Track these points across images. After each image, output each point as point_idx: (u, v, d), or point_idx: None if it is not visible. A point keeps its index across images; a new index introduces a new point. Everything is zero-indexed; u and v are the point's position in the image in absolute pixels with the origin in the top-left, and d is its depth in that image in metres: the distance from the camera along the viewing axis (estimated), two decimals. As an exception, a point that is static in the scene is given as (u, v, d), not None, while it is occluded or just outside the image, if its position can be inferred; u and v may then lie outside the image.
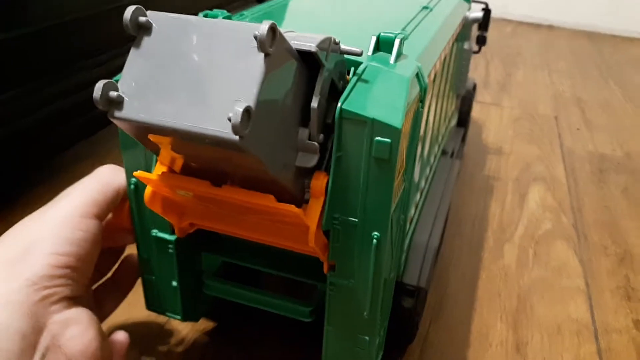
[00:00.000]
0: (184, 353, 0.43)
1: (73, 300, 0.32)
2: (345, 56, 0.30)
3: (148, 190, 0.31)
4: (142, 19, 0.25)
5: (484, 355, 0.46)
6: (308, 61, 0.27)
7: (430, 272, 0.41)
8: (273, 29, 0.23)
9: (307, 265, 0.36)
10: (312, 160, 0.29)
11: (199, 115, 0.24)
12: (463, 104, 0.73)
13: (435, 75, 0.41)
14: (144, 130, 0.26)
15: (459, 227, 0.62)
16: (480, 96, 1.03)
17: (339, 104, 0.28)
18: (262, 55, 0.23)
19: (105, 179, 0.35)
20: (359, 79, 0.30)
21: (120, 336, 0.36)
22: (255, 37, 0.23)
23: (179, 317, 0.40)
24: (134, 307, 0.42)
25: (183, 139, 0.25)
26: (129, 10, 0.25)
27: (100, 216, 0.34)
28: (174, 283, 0.38)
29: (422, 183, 0.45)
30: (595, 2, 1.65)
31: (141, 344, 0.43)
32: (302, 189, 0.30)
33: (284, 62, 0.25)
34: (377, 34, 0.33)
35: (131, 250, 0.40)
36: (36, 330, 0.29)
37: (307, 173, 0.30)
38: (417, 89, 0.32)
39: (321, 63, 0.27)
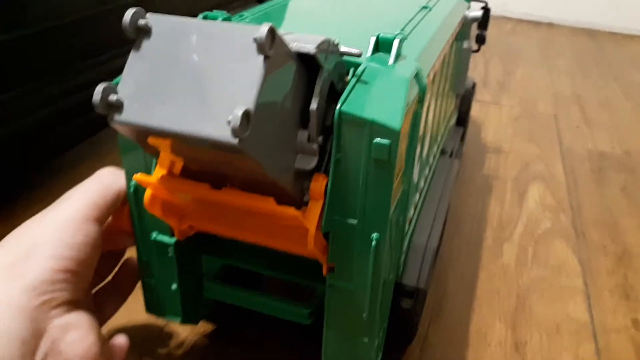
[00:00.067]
0: (184, 356, 0.43)
1: (73, 304, 0.32)
2: (345, 57, 0.30)
3: (148, 194, 0.31)
4: (141, 21, 0.25)
5: (483, 354, 0.46)
6: (307, 63, 0.27)
7: (429, 273, 0.41)
8: (272, 32, 0.23)
9: (306, 268, 0.36)
10: (312, 163, 0.29)
11: (198, 118, 0.24)
12: (462, 103, 0.73)
13: (434, 76, 0.41)
14: (143, 133, 0.26)
15: (458, 227, 0.63)
16: (479, 95, 1.03)
17: (338, 106, 0.28)
18: (261, 57, 0.23)
19: (105, 182, 0.35)
20: (358, 80, 0.30)
21: (120, 340, 0.36)
22: (255, 40, 0.23)
23: (178, 319, 0.40)
24: (133, 310, 0.42)
25: (183, 142, 0.25)
26: (129, 13, 0.25)
27: (100, 219, 0.34)
28: (174, 286, 0.38)
29: (421, 183, 0.45)
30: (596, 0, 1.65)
31: (141, 346, 0.43)
32: (301, 191, 0.30)
33: (283, 64, 0.25)
34: (376, 34, 0.33)
35: (131, 253, 0.40)
36: (36, 335, 0.29)
37: (306, 175, 0.30)
38: (416, 89, 0.32)
39: (320, 65, 0.27)
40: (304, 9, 0.47)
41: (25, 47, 0.56)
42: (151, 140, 0.26)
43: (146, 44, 0.26)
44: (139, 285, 0.40)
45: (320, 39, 0.27)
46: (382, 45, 0.33)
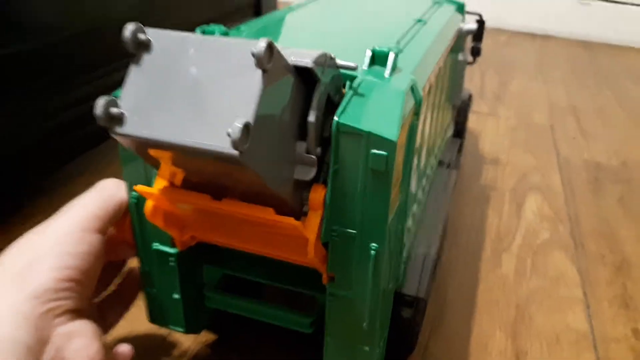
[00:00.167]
0: (186, 365, 0.44)
1: (77, 313, 0.32)
2: (341, 70, 0.31)
3: (149, 204, 0.32)
4: (141, 36, 0.26)
5: (484, 364, 0.46)
6: (305, 76, 0.28)
7: (429, 283, 0.41)
8: (270, 46, 0.24)
9: (306, 277, 0.36)
10: (310, 173, 0.29)
11: (198, 130, 0.24)
12: (459, 115, 0.73)
13: (430, 88, 0.41)
14: (144, 145, 0.26)
15: (457, 238, 0.63)
16: (476, 106, 1.04)
17: (336, 118, 0.29)
18: (259, 71, 0.24)
19: (107, 193, 0.36)
20: (354, 93, 0.31)
21: (124, 349, 0.36)
22: (253, 54, 0.24)
23: (181, 329, 0.40)
24: (136, 320, 0.42)
25: (183, 154, 0.26)
26: (129, 28, 0.25)
27: (102, 230, 0.35)
28: (176, 296, 0.38)
29: (419, 194, 0.46)
30: (591, 11, 1.67)
31: (144, 356, 0.43)
32: (300, 201, 0.30)
33: (281, 78, 0.26)
34: (372, 48, 0.34)
35: (134, 263, 0.40)
36: (41, 342, 0.30)
37: (305, 186, 0.30)
38: (412, 101, 0.33)
39: (317, 78, 0.28)
40: (300, 22, 0.48)
41: (26, 61, 0.57)
42: (152, 152, 0.27)
43: (146, 58, 0.26)
44: (141, 295, 0.41)
45: (317, 53, 0.28)
46: (377, 59, 0.34)
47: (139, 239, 0.37)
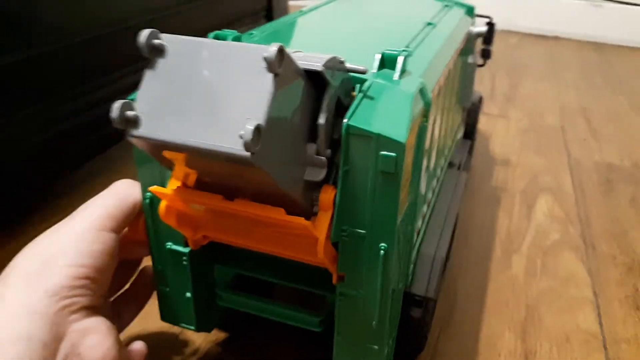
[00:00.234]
0: (198, 363, 0.44)
1: (92, 310, 0.33)
2: (351, 74, 0.31)
3: (163, 205, 0.33)
4: (156, 41, 0.27)
5: (493, 364, 0.46)
6: (315, 79, 0.28)
7: (438, 283, 0.42)
8: (281, 51, 0.24)
9: (316, 276, 0.37)
10: (320, 175, 0.30)
11: (211, 133, 0.25)
12: (469, 117, 0.74)
13: (439, 90, 0.42)
14: (159, 147, 0.27)
15: (467, 238, 0.63)
16: (486, 108, 1.04)
17: (345, 120, 0.29)
18: (271, 75, 0.25)
19: (121, 194, 0.37)
20: (364, 96, 0.31)
21: (139, 346, 0.37)
22: (265, 59, 0.24)
23: (192, 327, 0.41)
24: (148, 318, 0.43)
25: (196, 156, 0.26)
26: (144, 34, 0.26)
27: (117, 230, 0.35)
28: (188, 294, 0.39)
29: (429, 195, 0.46)
30: (602, 13, 1.65)
31: (156, 354, 0.44)
32: (311, 202, 0.31)
33: (292, 81, 0.27)
34: (382, 51, 0.34)
35: (148, 262, 0.41)
36: (57, 338, 0.30)
37: (315, 187, 0.31)
38: (421, 104, 0.33)
39: (328, 81, 0.29)
40: (311, 26, 0.48)
41: (39, 66, 0.58)
42: (166, 153, 0.27)
43: (161, 63, 0.27)
44: (153, 294, 0.41)
45: (327, 57, 0.28)
46: (387, 62, 0.34)
47: (152, 239, 0.38)
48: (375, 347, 0.35)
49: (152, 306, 0.42)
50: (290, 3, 1.27)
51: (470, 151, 0.76)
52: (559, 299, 0.55)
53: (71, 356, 0.31)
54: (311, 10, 0.54)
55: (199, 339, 0.46)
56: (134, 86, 0.27)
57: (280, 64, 0.24)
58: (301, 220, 0.29)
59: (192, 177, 0.31)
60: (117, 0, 0.68)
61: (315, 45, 0.42)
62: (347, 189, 0.30)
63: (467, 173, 0.69)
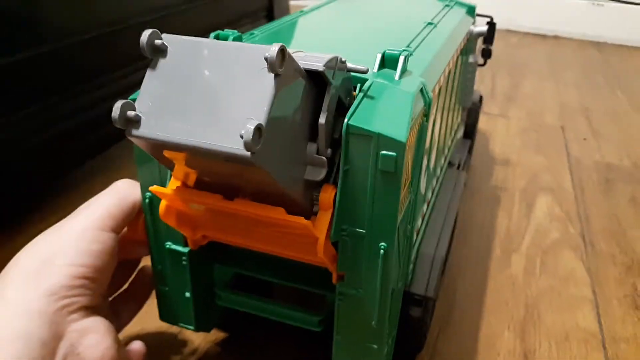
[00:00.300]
0: (197, 363, 0.44)
1: (91, 310, 0.33)
2: (352, 73, 0.32)
3: (163, 204, 0.33)
4: (157, 41, 0.27)
5: (492, 364, 0.47)
6: (316, 79, 0.29)
7: (438, 282, 0.42)
8: (282, 51, 0.24)
9: (316, 276, 0.37)
10: (321, 174, 0.30)
11: (212, 132, 0.25)
12: (469, 116, 0.74)
13: (439, 90, 0.42)
14: (159, 147, 0.27)
15: (467, 238, 0.63)
16: (486, 107, 1.04)
17: (346, 120, 0.29)
18: (272, 75, 0.25)
19: (121, 193, 0.37)
20: (364, 95, 0.31)
21: (137, 346, 0.37)
22: (266, 59, 0.24)
23: (191, 327, 0.41)
24: (147, 318, 0.43)
25: (197, 155, 0.26)
26: (146, 34, 0.26)
27: (116, 229, 0.35)
28: (187, 294, 0.39)
29: (429, 194, 0.46)
30: (603, 12, 1.66)
31: (155, 354, 0.44)
32: (311, 201, 0.31)
33: (293, 81, 0.27)
34: (382, 51, 0.34)
35: (147, 262, 0.41)
36: (56, 338, 0.31)
37: (315, 186, 0.31)
38: (421, 103, 0.33)
39: (328, 81, 0.29)
40: (311, 27, 0.48)
41: (39, 66, 0.58)
42: (167, 153, 0.28)
43: (162, 63, 0.27)
44: (153, 293, 0.41)
45: (328, 56, 0.28)
46: (388, 62, 0.34)
47: (152, 238, 0.38)
48: (375, 346, 0.35)
49: (151, 306, 0.42)
50: (291, 3, 1.27)
51: (470, 150, 0.76)
52: (558, 298, 0.55)
53: (70, 356, 0.31)
54: (312, 10, 0.54)
55: (198, 339, 0.46)
56: (134, 86, 0.27)
57: (281, 64, 0.24)
58: (301, 219, 0.29)
59: (192, 177, 0.31)
60: (117, 0, 0.69)
61: (316, 45, 0.42)
62: (347, 188, 0.30)
63: (466, 172, 0.69)
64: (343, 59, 0.30)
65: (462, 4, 0.65)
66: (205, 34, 0.33)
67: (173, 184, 0.32)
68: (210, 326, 0.44)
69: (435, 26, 0.49)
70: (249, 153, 0.24)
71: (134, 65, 0.71)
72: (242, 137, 0.23)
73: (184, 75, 0.26)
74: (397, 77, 0.33)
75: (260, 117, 0.24)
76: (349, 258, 0.32)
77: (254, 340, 0.46)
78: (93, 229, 0.34)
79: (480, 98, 0.78)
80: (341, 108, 0.30)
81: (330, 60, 0.28)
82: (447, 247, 0.47)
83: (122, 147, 0.72)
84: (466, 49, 0.61)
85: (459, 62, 0.56)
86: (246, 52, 0.26)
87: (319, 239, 0.30)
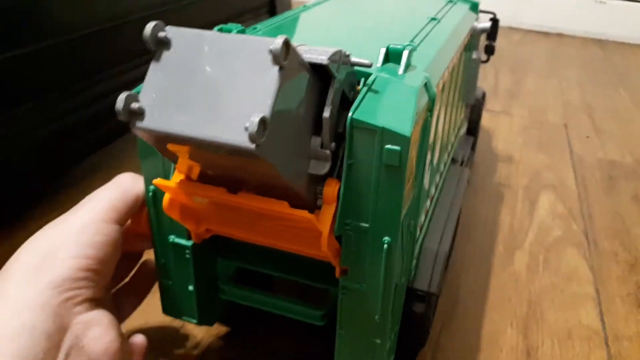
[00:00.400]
0: (200, 357, 0.44)
1: (95, 302, 0.33)
2: (356, 67, 0.31)
3: (166, 198, 0.33)
4: (161, 34, 0.27)
5: (495, 360, 0.46)
6: (320, 73, 0.28)
7: (441, 278, 0.42)
8: (287, 44, 0.24)
9: (319, 270, 0.37)
10: (324, 168, 0.30)
11: (217, 125, 0.25)
12: (472, 113, 0.74)
13: (443, 85, 0.42)
14: (163, 139, 0.27)
15: (470, 234, 0.63)
16: (489, 104, 1.04)
17: (350, 114, 0.29)
18: (276, 68, 0.25)
19: (124, 186, 0.37)
20: (368, 90, 0.31)
21: (139, 339, 0.37)
22: (271, 51, 0.24)
23: (194, 321, 0.41)
24: (150, 312, 0.43)
25: (201, 148, 0.26)
26: (149, 26, 0.26)
27: (120, 221, 0.35)
28: (191, 287, 0.39)
29: (432, 190, 0.46)
30: (606, 10, 1.65)
31: (157, 348, 0.44)
32: (314, 195, 0.31)
33: (297, 74, 0.27)
34: (386, 45, 0.34)
35: (149, 255, 0.41)
36: (60, 330, 0.30)
37: (319, 180, 0.31)
38: (425, 98, 0.33)
39: (332, 75, 0.29)
40: (315, 21, 0.48)
41: (40, 61, 0.58)
42: (170, 146, 0.27)
43: (166, 55, 0.27)
44: (155, 287, 0.41)
45: (332, 50, 0.28)
46: (392, 56, 0.34)
47: (155, 232, 0.38)
48: (378, 341, 0.35)
49: (154, 299, 0.42)
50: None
51: (473, 147, 0.76)
52: (561, 296, 0.55)
53: (74, 348, 0.31)
54: (315, 5, 0.54)
55: (201, 333, 0.46)
56: (135, 81, 0.27)
57: (286, 57, 0.24)
58: (305, 213, 0.29)
59: (196, 170, 0.31)
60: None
61: (319, 39, 0.42)
62: (351, 182, 0.30)
63: (469, 169, 0.69)
64: (347, 53, 0.30)
65: (465, 0, 0.65)
66: (208, 29, 0.33)
67: (177, 177, 0.32)
68: (213, 320, 0.44)
69: (439, 22, 0.49)
70: (253, 145, 0.24)
71: (134, 61, 0.71)
72: (246, 129, 0.23)
73: (188, 68, 0.26)
74: (401, 72, 0.33)
75: (265, 110, 0.24)
76: (352, 252, 0.32)
77: (256, 335, 0.47)
78: (96, 222, 0.34)
79: (483, 95, 0.78)
80: (345, 102, 0.30)
81: (334, 54, 0.28)
82: (451, 243, 0.46)
83: (122, 142, 0.72)
84: (469, 45, 0.60)
85: (463, 58, 0.55)
86: (250, 44, 0.26)
87: (323, 233, 0.30)
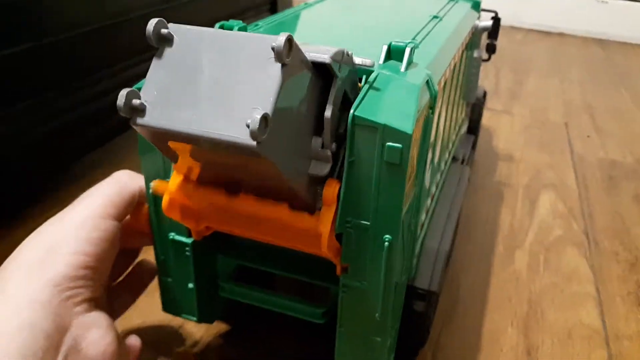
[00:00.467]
0: (200, 355, 0.44)
1: (94, 303, 0.33)
2: (357, 66, 0.31)
3: (166, 199, 0.33)
4: (163, 31, 0.27)
5: (496, 359, 0.46)
6: (322, 72, 0.28)
7: (441, 276, 0.42)
8: (290, 41, 0.24)
9: (320, 268, 0.37)
10: (325, 169, 0.30)
11: (218, 122, 0.25)
12: (473, 112, 0.73)
13: (445, 83, 0.42)
14: (164, 136, 0.27)
15: (470, 233, 0.63)
16: (490, 103, 1.03)
17: (352, 111, 0.29)
18: (279, 65, 0.24)
19: (122, 182, 0.36)
20: (370, 87, 0.31)
21: (133, 340, 0.37)
22: (273, 48, 0.24)
23: (194, 318, 0.41)
24: (150, 310, 0.43)
25: (202, 145, 0.26)
26: (152, 23, 0.26)
27: (117, 217, 0.35)
28: (191, 285, 0.39)
29: (433, 188, 0.46)
30: (608, 9, 1.65)
31: (157, 346, 0.44)
32: (315, 196, 0.31)
33: (299, 73, 0.26)
34: (388, 43, 0.34)
35: (145, 254, 0.41)
36: (60, 330, 0.30)
37: (319, 181, 0.31)
38: (427, 96, 0.33)
39: (335, 74, 0.28)
40: (316, 19, 0.48)
41: (40, 58, 0.58)
42: (171, 143, 0.27)
43: (168, 52, 0.27)
44: (155, 286, 0.41)
45: (334, 49, 0.28)
46: (394, 53, 0.34)
47: (155, 229, 0.38)
48: (378, 339, 0.35)
49: (153, 298, 0.42)
50: (294, -4, 1.27)
51: (474, 146, 0.76)
52: (561, 295, 0.55)
53: (73, 350, 0.30)
54: (316, 3, 0.53)
55: (200, 331, 0.46)
56: (134, 79, 0.27)
57: (288, 54, 0.24)
58: (305, 215, 0.29)
59: (196, 170, 0.31)
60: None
61: (320, 37, 0.42)
62: (352, 180, 0.30)
63: (470, 168, 0.69)
64: (349, 52, 0.30)
65: (467, -1, 0.64)
66: (210, 26, 0.32)
67: (176, 178, 0.31)
68: (213, 318, 0.44)
69: (440, 20, 0.49)
70: (254, 142, 0.23)
71: (134, 59, 0.71)
72: (248, 126, 0.23)
73: (189, 65, 0.26)
74: (403, 69, 0.33)
75: (267, 107, 0.24)
76: (353, 250, 0.32)
77: (256, 334, 0.46)
78: (94, 217, 0.34)
79: (484, 94, 0.78)
80: (346, 102, 0.30)
81: (336, 53, 0.28)
82: (451, 241, 0.46)
83: (122, 140, 0.72)
84: (471, 43, 0.60)
85: (464, 56, 0.55)
86: (253, 41, 0.26)
87: (323, 234, 0.30)
